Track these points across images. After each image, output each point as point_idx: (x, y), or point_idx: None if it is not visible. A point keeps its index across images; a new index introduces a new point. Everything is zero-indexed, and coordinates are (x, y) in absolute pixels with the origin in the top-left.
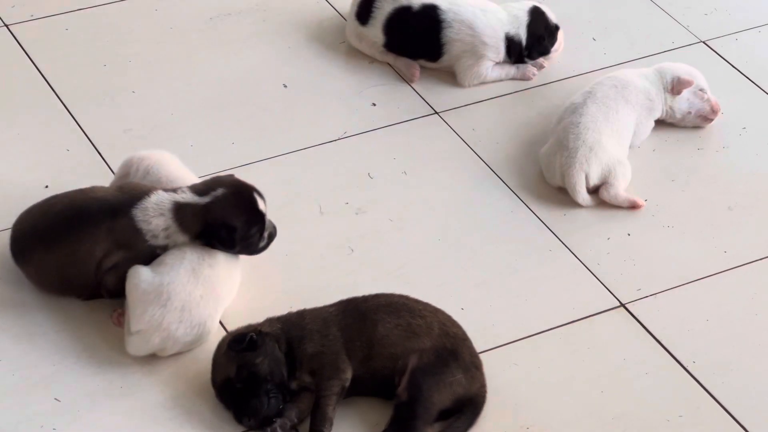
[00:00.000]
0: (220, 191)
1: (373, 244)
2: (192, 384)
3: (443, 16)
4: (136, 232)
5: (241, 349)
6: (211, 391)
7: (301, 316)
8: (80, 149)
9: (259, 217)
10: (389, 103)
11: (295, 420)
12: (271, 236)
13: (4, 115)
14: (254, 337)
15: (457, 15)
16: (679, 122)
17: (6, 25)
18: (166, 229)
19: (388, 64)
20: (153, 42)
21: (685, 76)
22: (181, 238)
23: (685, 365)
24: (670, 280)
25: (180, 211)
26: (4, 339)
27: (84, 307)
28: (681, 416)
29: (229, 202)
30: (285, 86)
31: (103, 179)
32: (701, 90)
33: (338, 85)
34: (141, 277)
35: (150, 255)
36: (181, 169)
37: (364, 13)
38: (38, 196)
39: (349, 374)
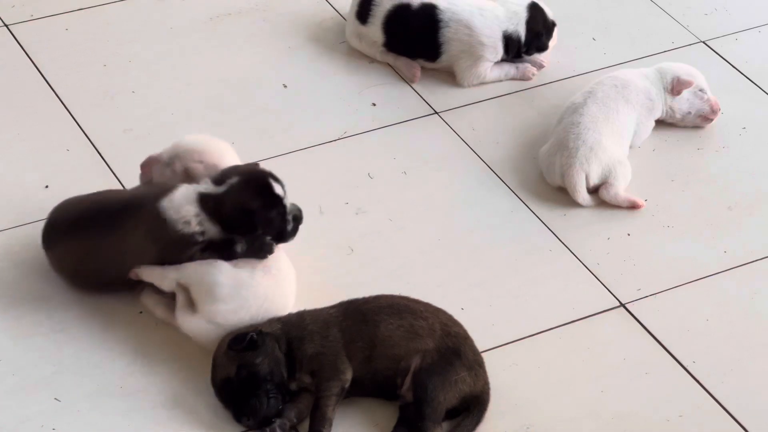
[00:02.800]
0: (234, 179)
1: (373, 244)
2: (192, 384)
3: (441, 16)
4: (166, 223)
5: (241, 348)
6: (211, 391)
7: (301, 316)
8: (80, 149)
9: (276, 200)
10: (389, 103)
11: (295, 420)
12: (297, 219)
13: (4, 115)
14: (254, 336)
15: (454, 14)
16: (679, 122)
17: (6, 25)
18: (197, 215)
19: (388, 64)
20: (153, 42)
21: (685, 76)
22: (212, 227)
23: (685, 365)
24: (670, 280)
25: (205, 201)
26: (5, 339)
27: (84, 307)
28: (681, 416)
29: (243, 188)
30: (285, 86)
31: (103, 179)
32: (701, 90)
33: (338, 85)
34: (225, 275)
35: (188, 243)
36: None
37: (363, 12)
38: (38, 196)
39: (349, 375)
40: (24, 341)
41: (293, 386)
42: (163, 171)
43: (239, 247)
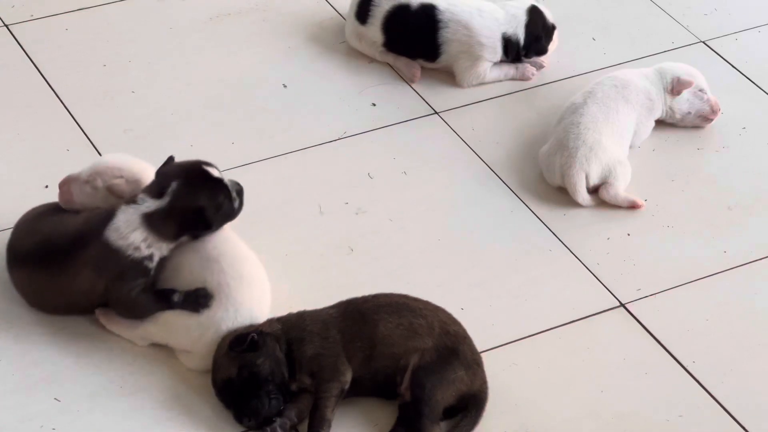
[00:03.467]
0: (174, 184)
1: (373, 244)
2: (192, 384)
3: (440, 16)
4: (116, 252)
5: (242, 349)
6: (211, 391)
7: (301, 317)
8: (80, 149)
9: (219, 185)
10: (389, 103)
11: (295, 420)
12: (240, 193)
13: (4, 114)
14: (255, 337)
15: (453, 15)
16: (679, 122)
17: (6, 25)
18: (145, 240)
19: (388, 64)
20: (153, 42)
21: (684, 76)
22: (163, 245)
23: (684, 365)
24: (670, 280)
25: (150, 221)
26: (4, 339)
27: None
28: (681, 416)
29: (188, 189)
30: (285, 86)
31: None
32: (701, 90)
33: (338, 85)
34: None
35: (140, 269)
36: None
37: (363, 12)
38: (38, 196)
39: (348, 376)
40: (24, 341)
41: (293, 387)
42: (83, 189)
43: (176, 297)
